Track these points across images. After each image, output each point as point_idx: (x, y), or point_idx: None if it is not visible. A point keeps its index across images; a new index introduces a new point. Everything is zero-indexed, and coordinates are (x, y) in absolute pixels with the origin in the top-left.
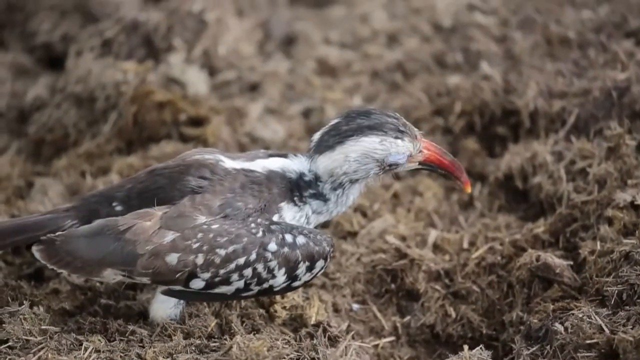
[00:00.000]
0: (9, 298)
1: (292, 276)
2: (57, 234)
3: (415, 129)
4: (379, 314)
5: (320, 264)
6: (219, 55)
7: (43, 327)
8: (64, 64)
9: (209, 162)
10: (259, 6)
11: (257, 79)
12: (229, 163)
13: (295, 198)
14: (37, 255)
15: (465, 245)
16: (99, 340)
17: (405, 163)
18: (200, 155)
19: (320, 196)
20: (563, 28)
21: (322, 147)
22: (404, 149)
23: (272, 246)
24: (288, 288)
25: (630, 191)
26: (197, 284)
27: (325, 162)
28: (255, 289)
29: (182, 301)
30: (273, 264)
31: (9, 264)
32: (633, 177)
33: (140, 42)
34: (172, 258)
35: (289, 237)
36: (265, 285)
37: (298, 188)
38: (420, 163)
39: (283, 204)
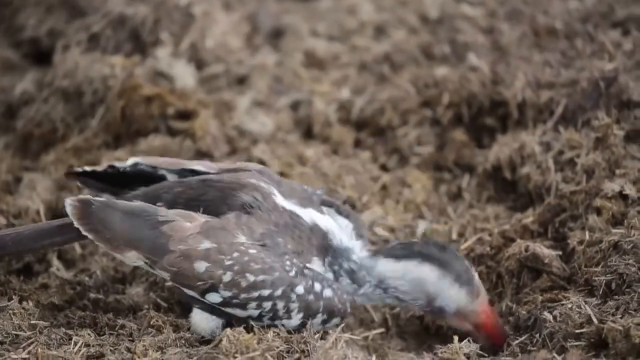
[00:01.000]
0: None
1: (306, 323)
2: (96, 198)
3: (482, 289)
4: (368, 306)
5: (335, 321)
6: (206, 49)
7: (32, 321)
8: (51, 59)
9: (262, 189)
10: None
11: (244, 72)
12: (280, 199)
13: (326, 260)
14: (68, 209)
15: (454, 236)
16: (89, 334)
17: (453, 316)
18: (256, 180)
19: (357, 281)
20: (550, 18)
21: (390, 253)
22: (457, 298)
23: (300, 289)
24: (295, 329)
25: (618, 181)
26: (213, 297)
27: (384, 267)
28: (266, 322)
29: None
30: (294, 305)
31: None
32: (621, 167)
33: (127, 36)
34: (201, 266)
35: (317, 286)
36: (277, 322)
37: (334, 255)
38: (474, 325)
39: (315, 259)
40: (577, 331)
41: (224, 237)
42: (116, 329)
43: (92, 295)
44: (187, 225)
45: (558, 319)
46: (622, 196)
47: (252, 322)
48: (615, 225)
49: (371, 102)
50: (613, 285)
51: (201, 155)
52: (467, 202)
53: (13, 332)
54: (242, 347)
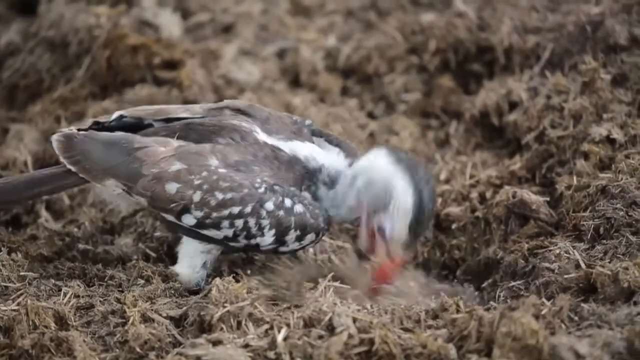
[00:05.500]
0: None
1: (280, 240)
2: (80, 132)
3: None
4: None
5: (310, 237)
6: None
7: (22, 273)
8: (36, 9)
9: (243, 128)
10: None
11: (230, 21)
12: (263, 136)
13: (303, 186)
14: (54, 144)
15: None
16: (78, 285)
17: (380, 240)
18: (238, 121)
19: (331, 184)
20: None
21: (395, 154)
22: (399, 233)
23: (269, 205)
24: (275, 251)
25: (605, 125)
26: (188, 219)
27: (380, 160)
28: (243, 242)
29: (207, 263)
30: (265, 222)
31: None
32: (608, 111)
33: None
34: (172, 187)
35: (288, 202)
36: (253, 242)
37: (310, 177)
38: (376, 263)
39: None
40: (566, 276)
41: (195, 159)
42: (105, 279)
43: (81, 246)
44: (161, 149)
45: (549, 266)
46: (610, 140)
47: (229, 244)
48: (603, 170)
49: (358, 49)
50: (601, 230)
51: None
52: (455, 149)
53: (2, 283)
54: (232, 297)
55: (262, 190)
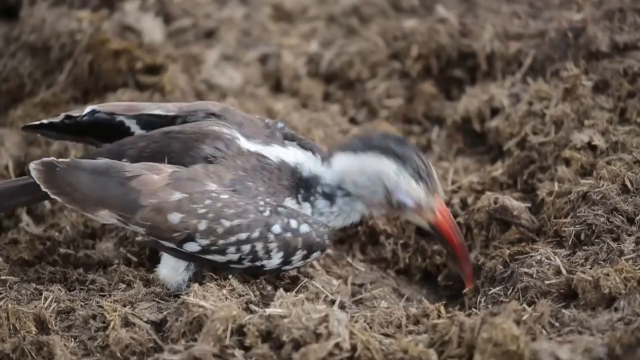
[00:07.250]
0: None
1: (287, 260)
2: (60, 160)
3: (439, 187)
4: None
5: (316, 255)
6: (174, 2)
7: (2, 277)
8: (18, 13)
9: (225, 136)
10: None
11: (212, 26)
12: (244, 142)
13: (299, 196)
14: (33, 174)
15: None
16: (59, 289)
17: (413, 212)
18: (219, 127)
19: (330, 197)
20: None
21: (347, 147)
22: (415, 192)
23: (276, 228)
24: (277, 270)
25: (587, 132)
26: (191, 247)
27: (342, 162)
28: (247, 264)
29: (190, 265)
30: (273, 245)
31: None
32: (590, 118)
33: None
34: (175, 217)
35: (293, 223)
36: (258, 264)
37: (306, 186)
38: (430, 225)
39: (288, 199)
40: (547, 282)
41: (193, 186)
42: (87, 284)
43: (62, 250)
44: (155, 177)
45: (528, 271)
46: (591, 147)
47: (231, 266)
48: (584, 176)
49: (340, 55)
50: (582, 236)
51: None
52: (437, 155)
53: None
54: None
55: (267, 213)
